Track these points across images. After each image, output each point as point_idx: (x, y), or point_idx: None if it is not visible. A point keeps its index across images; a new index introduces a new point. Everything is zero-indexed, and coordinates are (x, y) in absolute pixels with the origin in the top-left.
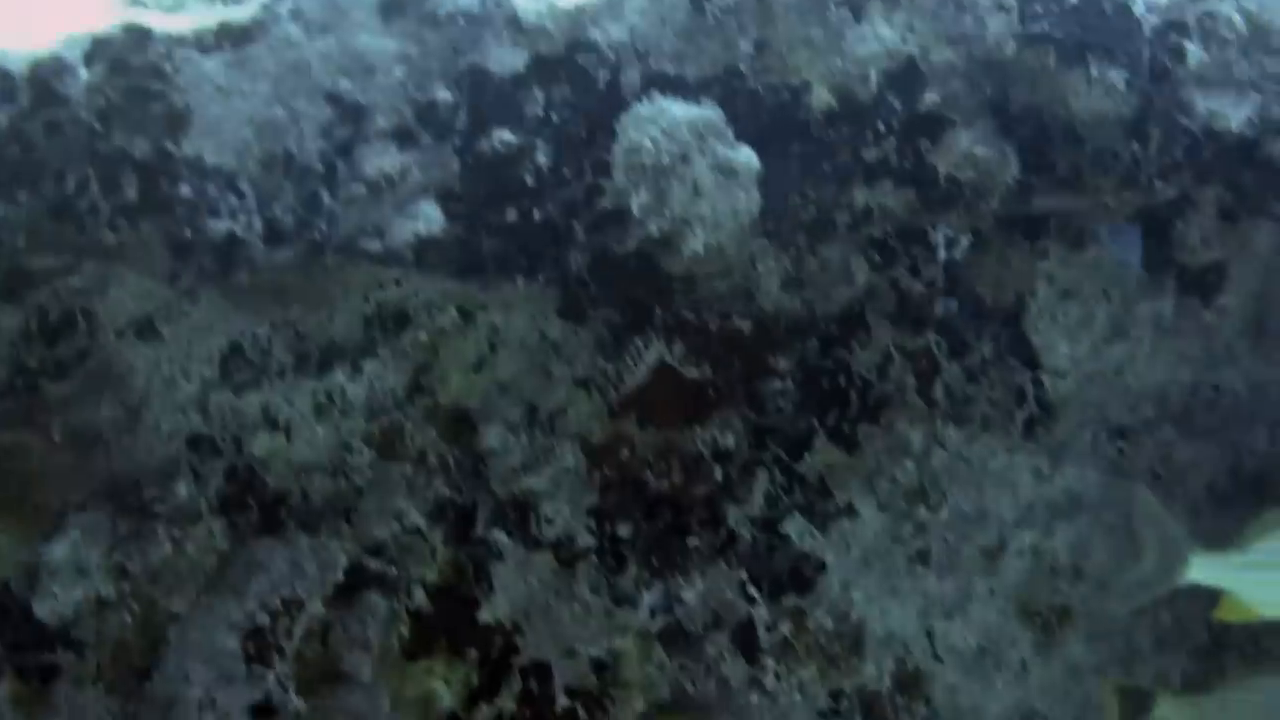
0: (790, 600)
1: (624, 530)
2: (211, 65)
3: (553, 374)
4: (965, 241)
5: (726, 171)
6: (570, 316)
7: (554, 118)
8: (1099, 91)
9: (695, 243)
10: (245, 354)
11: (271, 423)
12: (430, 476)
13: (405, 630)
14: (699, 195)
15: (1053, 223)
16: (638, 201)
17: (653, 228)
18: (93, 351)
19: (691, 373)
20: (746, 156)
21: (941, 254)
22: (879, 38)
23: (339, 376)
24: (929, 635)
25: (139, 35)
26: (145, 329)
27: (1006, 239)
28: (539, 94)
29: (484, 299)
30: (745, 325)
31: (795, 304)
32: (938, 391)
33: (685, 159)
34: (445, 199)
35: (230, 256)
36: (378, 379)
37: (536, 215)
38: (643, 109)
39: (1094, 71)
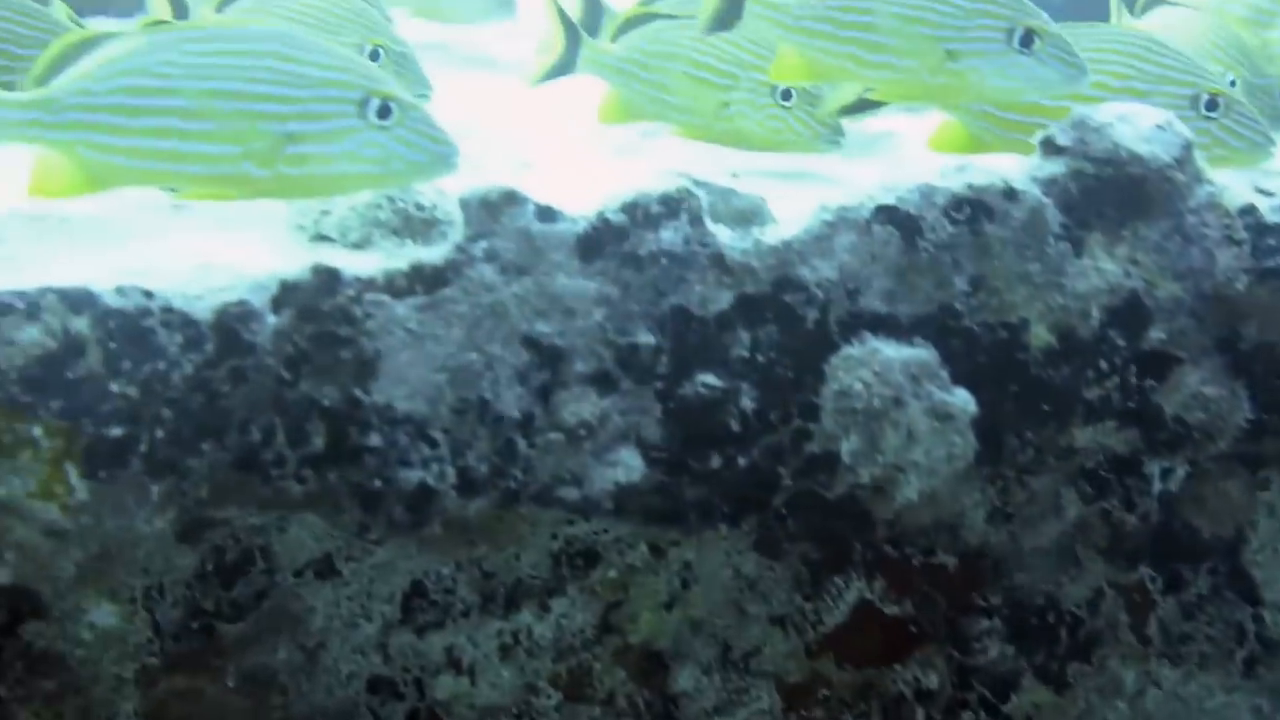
0: None
1: None
2: (403, 309)
3: (748, 612)
4: (1182, 472)
5: (942, 416)
6: (767, 552)
7: (760, 360)
8: None
9: (908, 490)
10: (428, 593)
11: (455, 664)
12: (619, 719)
13: None
14: (913, 441)
15: (1273, 451)
16: (848, 447)
17: (864, 474)
18: (270, 592)
19: (893, 610)
20: (962, 400)
21: (1156, 485)
22: (1101, 272)
23: (526, 616)
24: None
25: (328, 278)
26: (325, 568)
27: (1226, 470)
28: (744, 335)
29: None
30: (949, 560)
31: (1002, 538)
32: (1152, 628)
33: (898, 403)
34: (646, 446)
35: (422, 507)
36: (566, 618)
37: (741, 462)
38: (853, 350)
39: None
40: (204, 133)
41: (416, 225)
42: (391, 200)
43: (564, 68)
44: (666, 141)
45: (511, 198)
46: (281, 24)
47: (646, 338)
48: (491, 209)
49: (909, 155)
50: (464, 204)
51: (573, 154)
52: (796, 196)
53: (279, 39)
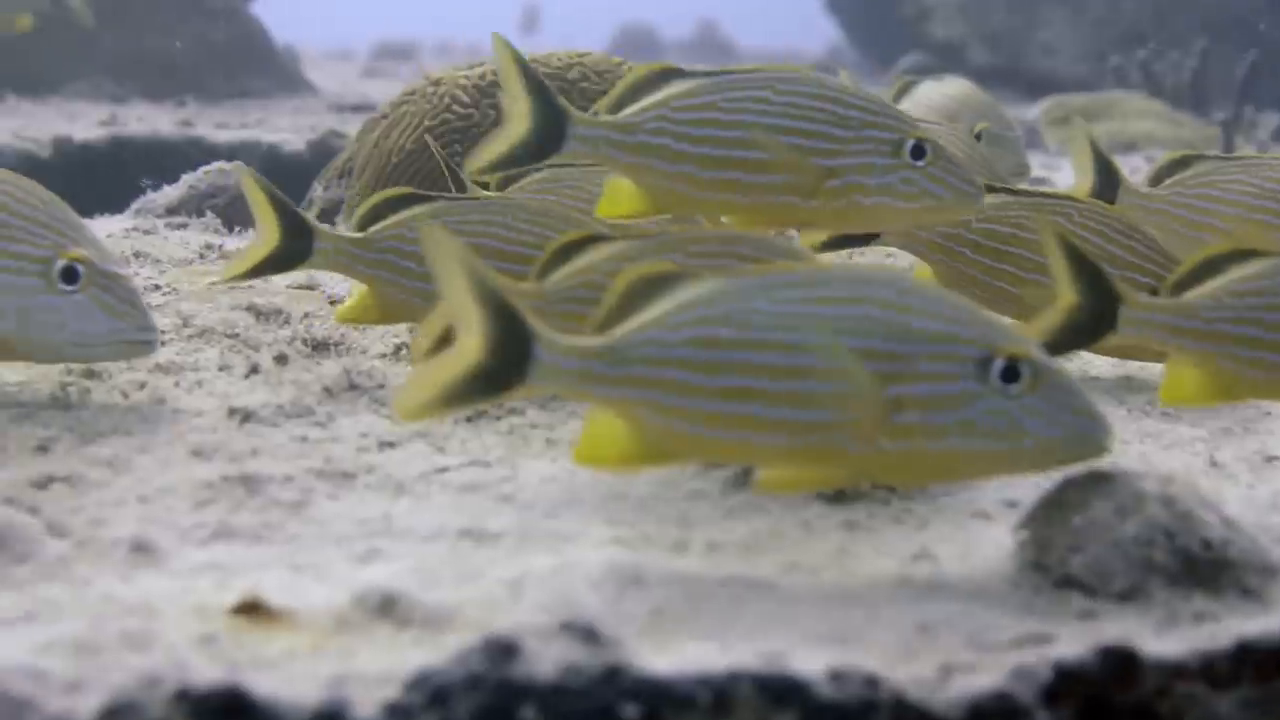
0: None
1: None
2: (1227, 707)
3: None
4: None
5: None
6: None
7: None
8: None
9: None
10: None
11: None
12: None
13: None
14: None
15: None
16: None
17: None
18: None
19: None
20: None
21: None
22: None
23: None
24: None
25: (1121, 662)
26: None
27: None
28: None
29: None
30: None
31: None
32: None
33: None
34: None
35: None
36: None
37: None
38: None
39: None
40: (798, 395)
41: (1203, 571)
42: (1169, 535)
43: None
44: None
45: None
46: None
47: None
48: None
49: None
50: None
51: None
52: None
53: (889, 285)
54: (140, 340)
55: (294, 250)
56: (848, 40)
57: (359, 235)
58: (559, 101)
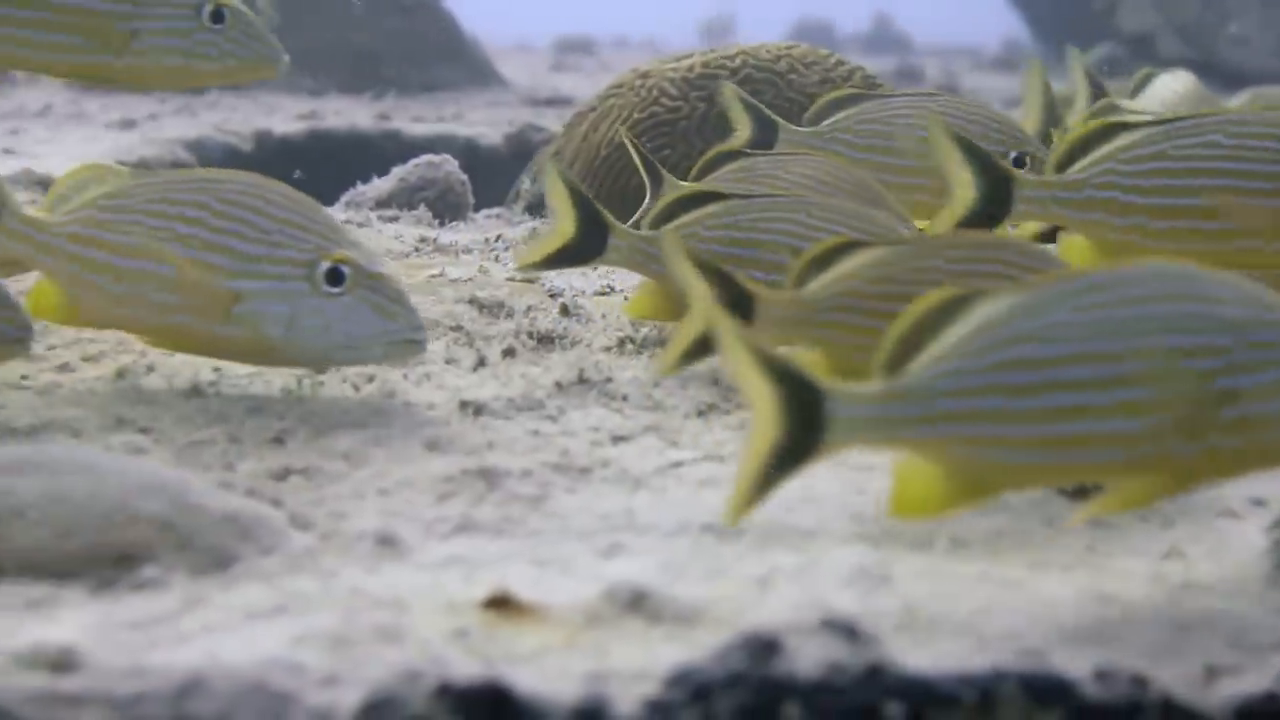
0: None
1: None
2: None
3: None
4: None
5: None
6: None
7: None
8: None
9: None
10: None
11: None
12: None
13: None
14: None
15: None
16: None
17: None
18: None
19: None
20: None
21: None
22: None
23: None
24: None
25: None
26: None
27: None
28: None
29: None
30: None
31: None
32: None
33: None
34: None
35: None
36: None
37: None
38: None
39: None
40: (1128, 405)
41: None
42: None
43: None
44: None
45: None
46: None
47: None
48: None
49: None
50: None
51: None
52: None
53: (1184, 278)
54: (411, 340)
55: (589, 246)
56: (1031, 33)
57: (652, 234)
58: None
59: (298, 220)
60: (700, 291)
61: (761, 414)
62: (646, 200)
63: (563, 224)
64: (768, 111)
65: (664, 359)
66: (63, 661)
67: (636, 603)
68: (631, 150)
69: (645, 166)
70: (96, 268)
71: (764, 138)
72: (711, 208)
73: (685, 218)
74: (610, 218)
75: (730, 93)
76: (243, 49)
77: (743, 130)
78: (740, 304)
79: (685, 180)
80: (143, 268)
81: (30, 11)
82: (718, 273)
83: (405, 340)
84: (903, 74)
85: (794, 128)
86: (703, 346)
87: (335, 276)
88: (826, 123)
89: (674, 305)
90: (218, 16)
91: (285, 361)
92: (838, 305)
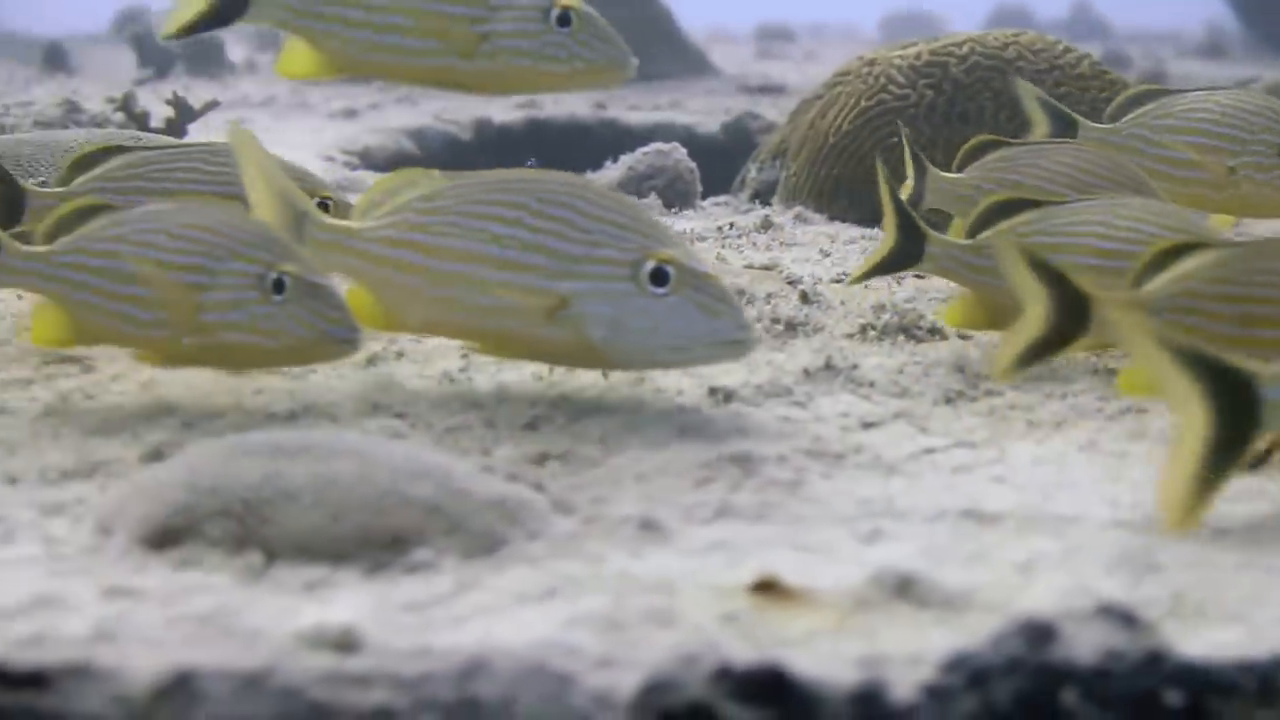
0: None
1: None
2: None
3: None
4: None
5: None
6: None
7: None
8: None
9: None
10: None
11: None
12: None
13: None
14: None
15: None
16: None
17: None
18: None
19: None
20: None
21: None
22: None
23: None
24: None
25: None
26: None
27: None
28: None
29: None
30: None
31: None
32: None
33: None
34: None
35: None
36: None
37: None
38: None
39: None
40: None
41: None
42: None
43: None
44: None
45: None
46: None
47: None
48: None
49: None
50: None
51: None
52: None
53: None
54: (739, 340)
55: (908, 252)
56: (1238, 19)
57: (969, 243)
58: None
59: (619, 219)
60: (1038, 295)
61: (1189, 408)
62: (911, 189)
63: (887, 232)
64: (1065, 108)
65: (1000, 364)
66: (345, 642)
67: (904, 588)
68: (905, 142)
69: (914, 158)
70: (413, 271)
71: (1061, 135)
72: (1026, 215)
73: (1002, 224)
74: (926, 227)
75: (1027, 90)
76: (592, 52)
77: (1040, 127)
78: (1077, 307)
79: (943, 170)
80: (461, 271)
81: (386, 17)
82: (1054, 275)
83: (731, 340)
84: (1108, 61)
85: (1092, 125)
86: (1041, 348)
87: (660, 276)
88: (1126, 119)
89: (990, 314)
90: (564, 20)
91: (607, 364)
92: (1176, 306)
